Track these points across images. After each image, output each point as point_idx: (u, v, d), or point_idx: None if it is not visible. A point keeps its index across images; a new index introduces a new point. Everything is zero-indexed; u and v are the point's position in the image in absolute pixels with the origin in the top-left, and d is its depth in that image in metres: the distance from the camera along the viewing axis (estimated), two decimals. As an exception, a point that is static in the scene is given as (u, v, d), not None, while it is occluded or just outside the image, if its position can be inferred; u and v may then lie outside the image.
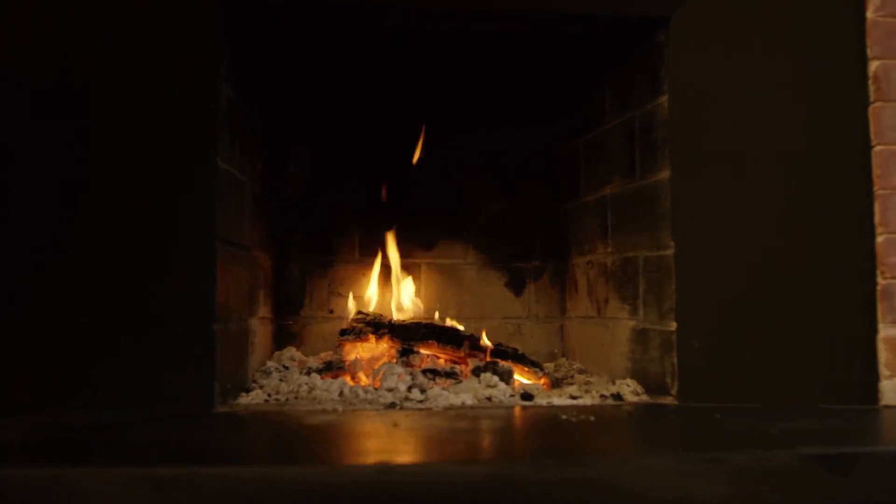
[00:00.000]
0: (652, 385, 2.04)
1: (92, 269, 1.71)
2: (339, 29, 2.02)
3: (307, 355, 2.56)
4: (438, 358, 2.27)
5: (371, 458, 1.28)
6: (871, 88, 1.92)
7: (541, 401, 1.96)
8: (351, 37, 2.11)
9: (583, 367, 2.51)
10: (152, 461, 1.25)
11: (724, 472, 1.27)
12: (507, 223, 2.81)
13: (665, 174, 1.97)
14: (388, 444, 1.43)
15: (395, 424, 1.59)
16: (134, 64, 1.76)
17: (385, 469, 1.20)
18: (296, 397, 1.96)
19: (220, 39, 1.80)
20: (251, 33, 2.01)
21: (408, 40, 2.14)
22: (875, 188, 1.90)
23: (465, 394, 1.94)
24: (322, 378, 2.09)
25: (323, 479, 1.17)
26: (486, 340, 2.31)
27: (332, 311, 2.70)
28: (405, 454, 1.36)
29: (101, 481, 1.17)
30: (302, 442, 1.47)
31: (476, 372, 2.14)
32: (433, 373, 2.12)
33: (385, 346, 2.32)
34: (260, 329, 2.31)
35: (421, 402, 1.89)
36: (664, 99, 1.98)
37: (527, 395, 1.98)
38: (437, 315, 2.62)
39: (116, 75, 1.75)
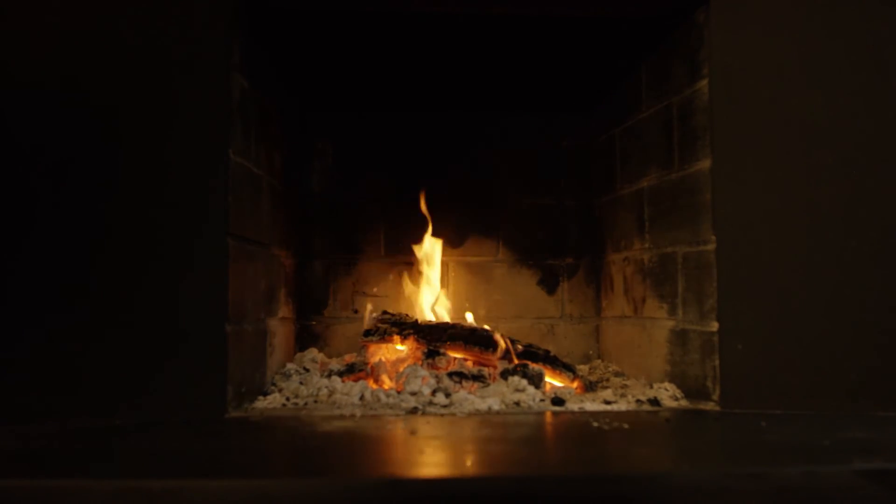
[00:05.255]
0: (692, 389, 1.92)
1: (95, 271, 1.65)
2: (359, 12, 1.92)
3: (331, 357, 2.49)
4: (466, 360, 2.17)
5: (380, 471, 1.19)
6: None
7: (572, 406, 1.85)
8: (374, 22, 2.02)
9: (619, 370, 2.40)
10: (144, 473, 1.17)
11: (770, 489, 1.16)
12: (540, 218, 2.71)
13: (705, 164, 1.86)
14: (403, 454, 1.34)
15: (414, 432, 1.49)
16: (136, 50, 1.69)
17: (393, 483, 1.10)
18: (315, 401, 1.89)
19: (232, 25, 1.73)
20: (267, 20, 1.93)
21: (433, 26, 2.04)
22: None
23: (492, 398, 1.84)
24: (343, 381, 2.01)
25: (322, 493, 1.08)
26: (515, 342, 2.20)
27: (356, 311, 2.61)
28: (419, 466, 1.26)
29: (90, 493, 1.10)
30: (309, 451, 1.38)
31: (504, 375, 2.04)
32: (459, 376, 2.03)
33: (410, 347, 2.23)
34: (280, 330, 2.24)
35: (445, 406, 1.79)
36: (704, 84, 1.87)
37: (557, 400, 1.87)
38: (470, 316, 2.52)
39: (118, 64, 1.69)
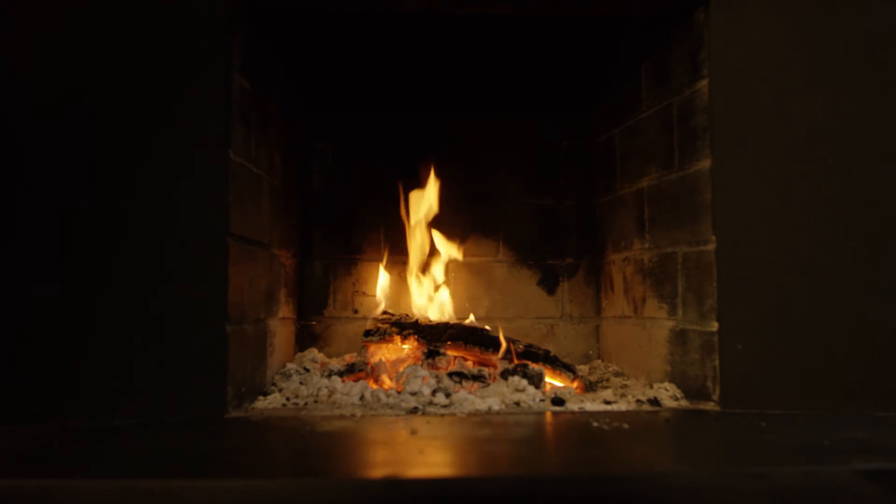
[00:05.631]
0: (692, 389, 1.92)
1: (97, 270, 1.65)
2: (359, 12, 1.92)
3: (331, 357, 2.49)
4: (466, 360, 2.17)
5: (380, 471, 1.18)
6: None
7: (572, 406, 1.85)
8: (374, 22, 2.02)
9: (619, 370, 2.40)
10: (145, 473, 1.17)
11: (769, 489, 1.16)
12: (540, 218, 2.71)
13: (705, 164, 1.86)
14: (403, 454, 1.34)
15: (414, 432, 1.49)
16: (139, 52, 1.69)
17: (392, 483, 1.10)
18: (315, 401, 1.89)
19: (232, 26, 1.73)
20: (267, 21, 1.93)
21: (433, 26, 2.05)
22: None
23: (492, 398, 1.84)
24: (343, 381, 2.01)
25: (322, 493, 1.08)
26: (515, 342, 2.20)
27: (356, 311, 2.61)
28: (419, 466, 1.26)
29: (90, 493, 1.10)
30: (309, 451, 1.38)
31: (504, 375, 2.04)
32: (459, 376, 2.03)
33: (411, 347, 2.23)
34: (280, 330, 2.24)
35: (445, 406, 1.79)
36: (704, 84, 1.87)
37: (557, 400, 1.87)
38: (471, 317, 2.52)
39: (121, 65, 1.69)
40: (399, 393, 1.90)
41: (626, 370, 2.37)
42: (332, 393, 1.91)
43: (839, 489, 1.16)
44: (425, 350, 2.16)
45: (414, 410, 1.76)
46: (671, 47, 2.04)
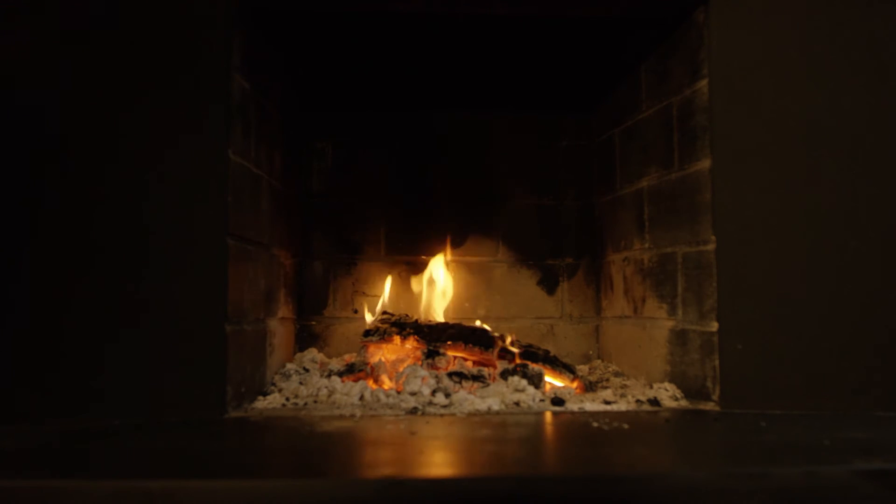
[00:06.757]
0: (692, 389, 1.92)
1: (95, 270, 1.64)
2: (360, 12, 1.92)
3: (331, 357, 2.49)
4: (466, 360, 2.17)
5: (379, 471, 1.18)
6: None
7: (572, 406, 1.85)
8: (374, 22, 2.02)
9: (619, 370, 2.40)
10: (143, 473, 1.17)
11: (770, 489, 1.16)
12: (540, 218, 2.70)
13: (705, 164, 1.86)
14: (402, 454, 1.34)
15: (413, 433, 1.49)
16: (137, 52, 1.69)
17: (392, 484, 1.10)
18: (315, 401, 1.89)
19: (232, 27, 1.73)
20: (267, 21, 1.93)
21: (432, 26, 2.05)
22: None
23: (492, 398, 1.84)
24: (343, 381, 2.01)
25: (322, 494, 1.08)
26: (515, 342, 2.20)
27: (356, 311, 2.61)
28: (418, 466, 1.26)
29: (90, 493, 1.10)
30: (309, 451, 1.38)
31: (504, 375, 2.04)
32: (459, 376, 2.02)
33: (411, 347, 2.23)
34: (280, 330, 2.24)
35: (445, 406, 1.79)
36: (704, 84, 1.87)
37: (557, 400, 1.87)
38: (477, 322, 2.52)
39: (119, 65, 1.69)
40: (399, 393, 1.90)
41: (625, 370, 2.37)
42: (331, 393, 1.91)
43: (839, 489, 1.16)
44: (425, 350, 2.16)
45: (413, 411, 1.76)
46: (671, 47, 2.04)
